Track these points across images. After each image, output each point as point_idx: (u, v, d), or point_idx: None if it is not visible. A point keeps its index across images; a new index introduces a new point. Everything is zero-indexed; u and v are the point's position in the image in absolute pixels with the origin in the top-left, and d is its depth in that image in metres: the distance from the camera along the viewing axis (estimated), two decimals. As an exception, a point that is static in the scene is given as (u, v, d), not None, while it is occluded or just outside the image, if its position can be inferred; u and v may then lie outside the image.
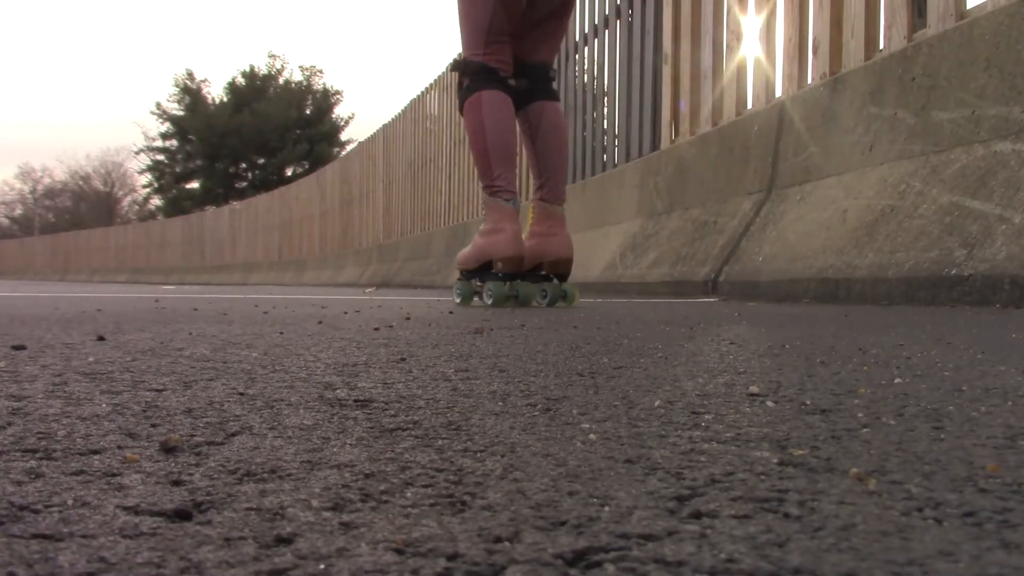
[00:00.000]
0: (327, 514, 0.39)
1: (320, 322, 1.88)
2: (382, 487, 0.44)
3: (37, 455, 0.51)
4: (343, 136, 34.22)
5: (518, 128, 3.15)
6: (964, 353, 1.15)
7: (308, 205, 17.25)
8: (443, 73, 11.12)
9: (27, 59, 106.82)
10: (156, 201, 38.86)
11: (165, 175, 36.21)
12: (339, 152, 29.45)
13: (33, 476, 0.46)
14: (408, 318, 2.08)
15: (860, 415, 0.66)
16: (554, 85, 3.23)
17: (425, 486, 0.44)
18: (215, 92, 44.42)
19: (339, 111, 36.90)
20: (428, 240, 10.95)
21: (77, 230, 35.72)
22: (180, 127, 34.71)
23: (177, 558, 0.33)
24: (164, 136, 35.58)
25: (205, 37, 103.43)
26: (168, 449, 0.53)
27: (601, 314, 2.34)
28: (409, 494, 0.43)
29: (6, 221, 56.75)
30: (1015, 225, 2.53)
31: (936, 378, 0.89)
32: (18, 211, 56.15)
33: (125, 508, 0.40)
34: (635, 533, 0.36)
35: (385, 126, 13.72)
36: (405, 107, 12.75)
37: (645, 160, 5.80)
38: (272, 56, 42.11)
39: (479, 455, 0.52)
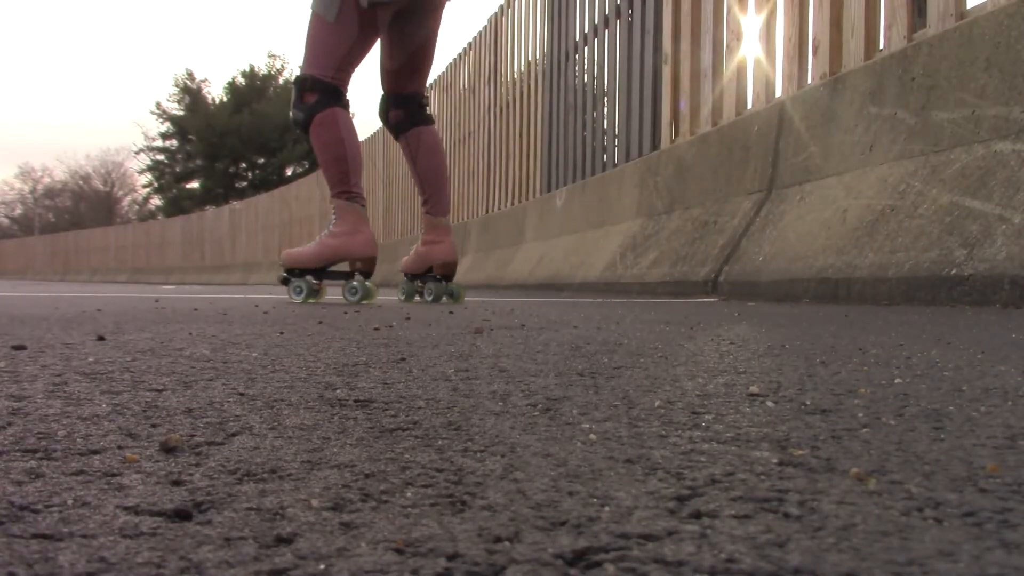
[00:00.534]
0: (327, 514, 0.39)
1: (320, 322, 1.88)
2: (382, 487, 0.44)
3: (37, 455, 0.51)
4: (343, 136, 34.15)
5: (403, 150, 3.62)
6: (964, 353, 1.15)
7: (308, 205, 17.25)
8: (443, 73, 11.12)
9: (27, 59, 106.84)
10: (156, 201, 38.91)
11: (165, 175, 36.23)
12: (339, 152, 29.37)
13: (33, 476, 0.46)
14: (408, 318, 2.08)
15: (860, 415, 0.66)
16: (427, 110, 3.70)
17: (425, 486, 0.44)
18: (215, 92, 44.44)
19: (339, 111, 36.81)
20: (428, 240, 10.94)
21: (77, 230, 35.71)
22: (180, 127, 34.73)
23: (177, 558, 0.33)
24: (164, 136, 35.61)
25: (205, 37, 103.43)
26: (168, 449, 0.53)
27: (601, 314, 2.34)
28: (409, 494, 0.43)
29: (6, 221, 56.77)
30: (1015, 225, 2.53)
31: (936, 378, 0.89)
32: (18, 211, 56.17)
33: (125, 508, 0.40)
34: (635, 533, 0.36)
35: (385, 126, 13.70)
36: (405, 107, 12.73)
37: (645, 160, 5.80)
38: (272, 56, 42.15)
39: (479, 455, 0.52)
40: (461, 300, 3.60)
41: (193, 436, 0.57)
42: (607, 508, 0.40)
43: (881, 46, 3.66)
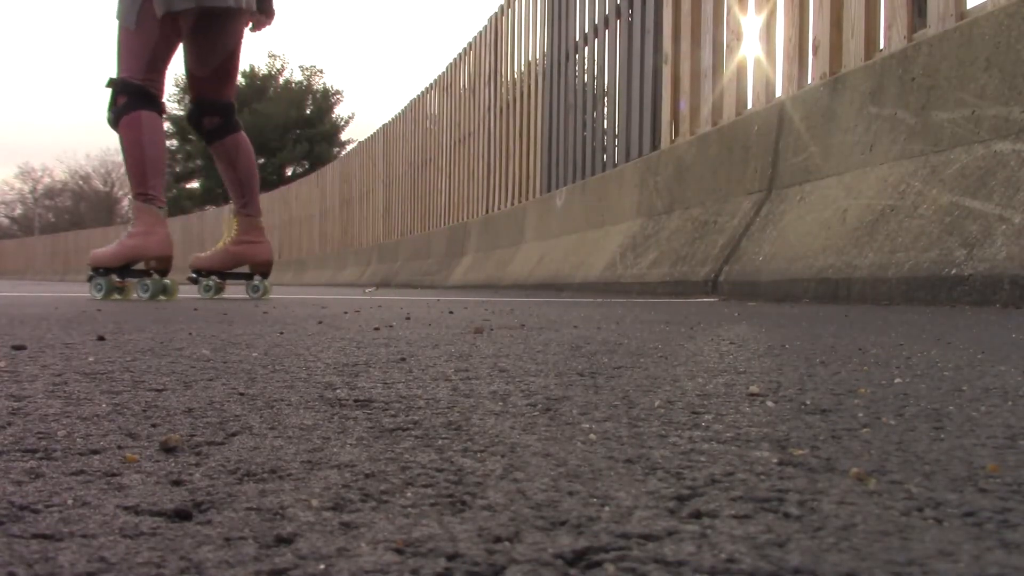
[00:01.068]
0: (327, 514, 0.39)
1: (320, 322, 1.88)
2: (382, 487, 0.44)
3: (37, 455, 0.51)
4: (343, 136, 34.26)
5: (217, 157, 3.81)
6: (964, 353, 1.15)
7: (308, 205, 17.26)
8: (443, 73, 11.13)
9: (27, 59, 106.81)
10: (156, 201, 38.82)
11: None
12: (339, 152, 29.45)
13: (33, 476, 0.46)
14: (408, 318, 2.08)
15: (860, 415, 0.66)
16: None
17: (425, 486, 0.44)
18: (215, 92, 44.31)
19: (339, 111, 36.94)
20: (428, 240, 10.95)
21: (77, 230, 35.70)
22: (180, 127, 34.70)
23: (177, 558, 0.33)
24: (164, 136, 35.56)
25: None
26: (168, 449, 0.53)
27: (601, 314, 2.34)
28: (409, 494, 0.43)
29: (6, 221, 56.73)
30: (1015, 225, 2.53)
31: (936, 378, 0.89)
32: (18, 211, 56.12)
33: (125, 508, 0.40)
34: (635, 533, 0.36)
35: (385, 126, 13.72)
36: (405, 107, 12.76)
37: (645, 160, 5.80)
38: (272, 56, 42.04)
39: (479, 455, 0.52)
40: (268, 295, 3.96)
41: (193, 436, 0.57)
42: (607, 508, 0.40)
43: (881, 46, 3.66)
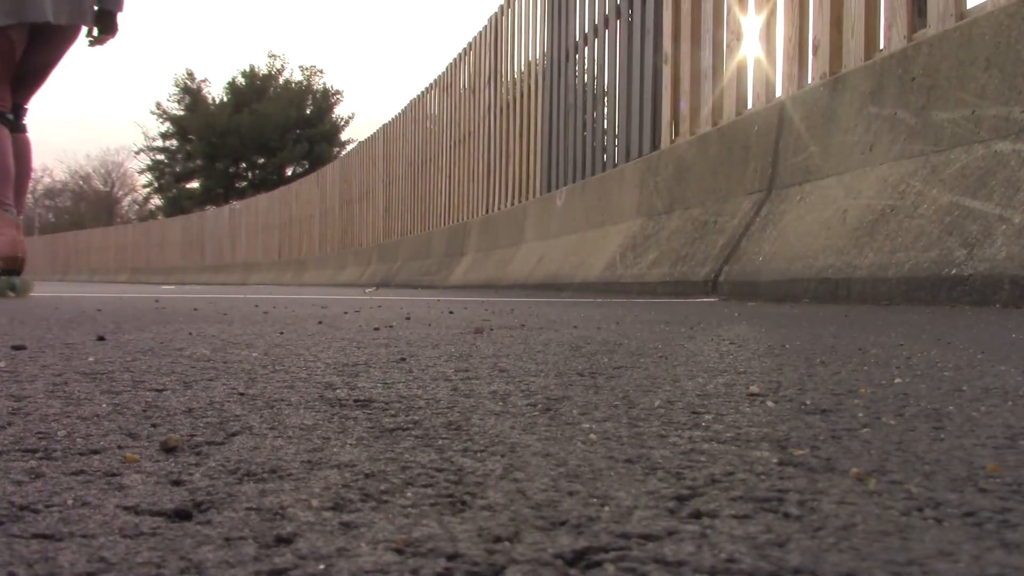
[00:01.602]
0: (327, 514, 0.39)
1: (320, 322, 1.88)
2: (382, 487, 0.44)
3: (37, 455, 0.51)
4: (343, 136, 34.26)
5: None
6: (964, 353, 1.15)
7: (308, 205, 17.26)
8: (443, 73, 11.12)
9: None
10: (156, 201, 38.90)
11: (165, 175, 36.22)
12: (339, 152, 29.46)
13: (33, 476, 0.46)
14: (408, 318, 2.08)
15: (860, 415, 0.66)
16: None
17: (425, 486, 0.44)
18: (215, 92, 44.40)
19: (339, 111, 36.92)
20: (428, 240, 10.95)
21: (77, 230, 35.69)
22: (180, 127, 34.72)
23: (177, 558, 0.33)
24: (164, 136, 35.60)
25: (205, 37, 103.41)
26: (168, 449, 0.53)
27: (601, 314, 2.34)
28: (409, 494, 0.43)
29: (6, 221, 56.54)
30: (1015, 225, 2.53)
31: (936, 378, 0.89)
32: (18, 211, 55.95)
33: (125, 508, 0.40)
34: (635, 533, 0.36)
35: (385, 126, 13.72)
36: (405, 107, 12.76)
37: (645, 160, 5.80)
38: (272, 56, 42.09)
39: (479, 455, 0.52)
40: (25, 293, 4.03)
41: (193, 436, 0.57)
42: (607, 508, 0.40)
43: (881, 46, 3.66)
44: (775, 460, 0.50)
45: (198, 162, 34.46)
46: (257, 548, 0.34)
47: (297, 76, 35.81)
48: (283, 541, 0.35)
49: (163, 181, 36.45)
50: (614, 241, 5.86)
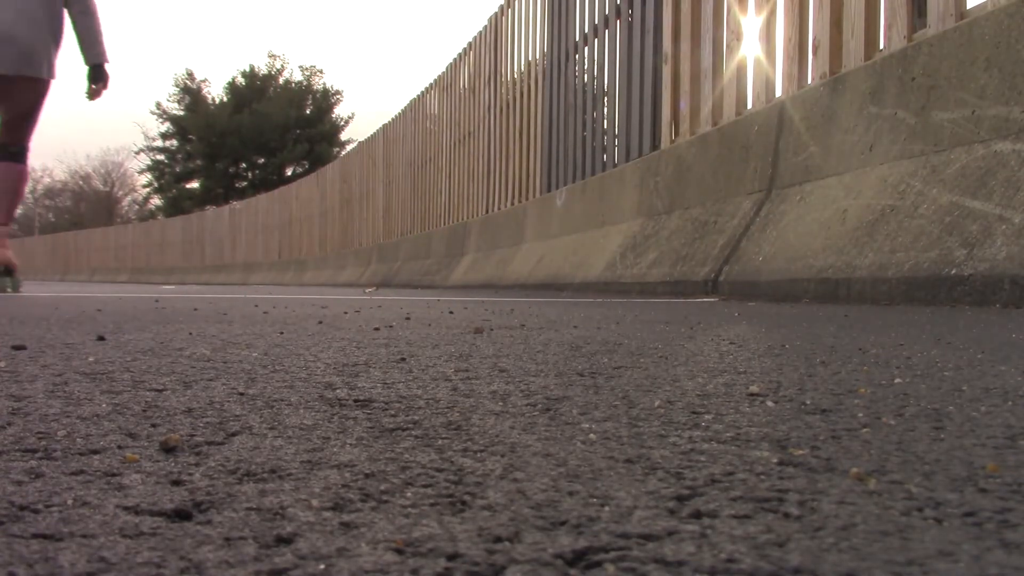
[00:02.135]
0: (327, 514, 0.39)
1: (320, 322, 1.88)
2: (382, 487, 0.44)
3: (37, 455, 0.51)
4: (343, 136, 34.26)
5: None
6: (964, 353, 1.15)
7: (308, 205, 17.25)
8: (443, 73, 11.12)
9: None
10: (156, 201, 38.90)
11: (165, 175, 36.22)
12: (339, 152, 29.46)
13: (33, 476, 0.46)
14: (408, 318, 2.08)
15: (860, 415, 0.66)
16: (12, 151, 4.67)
17: (425, 486, 0.44)
18: (215, 92, 44.39)
19: (339, 111, 36.92)
20: (428, 240, 10.95)
21: (77, 230, 35.70)
22: (180, 127, 34.72)
23: (177, 558, 0.33)
24: (164, 136, 35.60)
25: (205, 37, 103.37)
26: (168, 449, 0.53)
27: (601, 314, 2.34)
28: (409, 494, 0.43)
29: (6, 221, 56.57)
30: (1015, 225, 2.53)
31: (936, 378, 0.89)
32: (18, 211, 56.05)
33: (125, 508, 0.40)
34: (635, 533, 0.36)
35: (385, 126, 13.72)
36: (405, 107, 12.75)
37: (645, 160, 5.80)
38: (272, 56, 42.03)
39: (479, 455, 0.52)
40: (18, 289, 4.51)
41: (193, 436, 0.57)
42: (607, 508, 0.40)
43: (881, 46, 3.66)
44: (775, 460, 0.50)
45: (198, 162, 34.46)
46: (257, 548, 0.34)
47: (297, 76, 35.83)
48: (283, 541, 0.35)
49: (163, 181, 36.46)
50: (614, 241, 5.86)
